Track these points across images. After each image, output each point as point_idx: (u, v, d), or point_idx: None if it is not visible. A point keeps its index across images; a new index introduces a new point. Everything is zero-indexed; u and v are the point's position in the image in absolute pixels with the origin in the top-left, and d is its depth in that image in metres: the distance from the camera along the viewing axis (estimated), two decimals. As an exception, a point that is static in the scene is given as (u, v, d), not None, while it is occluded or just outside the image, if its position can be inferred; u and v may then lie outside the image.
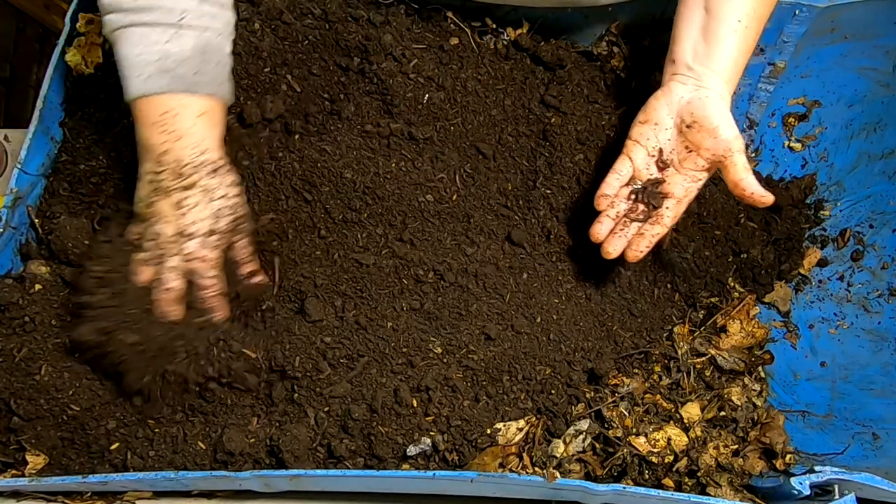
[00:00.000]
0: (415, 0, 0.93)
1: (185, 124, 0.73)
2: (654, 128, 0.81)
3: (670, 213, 0.81)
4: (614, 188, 0.82)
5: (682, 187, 0.81)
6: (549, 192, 0.91)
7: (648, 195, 0.81)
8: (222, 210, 0.76)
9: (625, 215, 0.82)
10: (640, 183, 0.82)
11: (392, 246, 0.86)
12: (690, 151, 0.80)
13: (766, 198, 0.76)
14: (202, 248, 0.75)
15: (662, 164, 0.81)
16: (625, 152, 0.82)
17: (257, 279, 0.82)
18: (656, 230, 0.81)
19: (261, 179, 0.87)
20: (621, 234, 0.81)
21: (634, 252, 0.81)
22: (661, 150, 0.81)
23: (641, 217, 0.81)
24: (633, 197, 0.82)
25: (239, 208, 0.78)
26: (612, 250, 0.81)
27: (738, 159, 0.77)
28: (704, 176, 0.80)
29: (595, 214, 0.83)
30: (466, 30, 0.92)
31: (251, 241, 0.81)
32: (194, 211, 0.74)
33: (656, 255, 0.94)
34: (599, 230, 0.82)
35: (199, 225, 0.75)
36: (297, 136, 0.87)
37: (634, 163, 0.82)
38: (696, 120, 0.78)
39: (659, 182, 0.81)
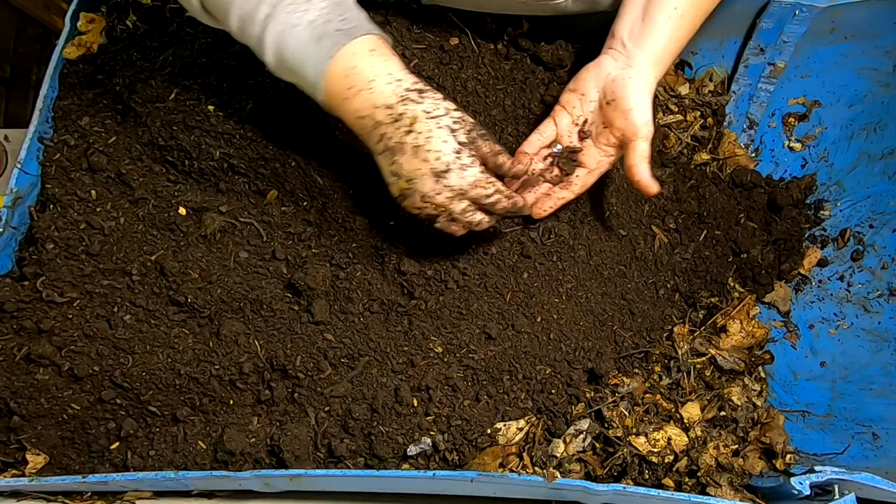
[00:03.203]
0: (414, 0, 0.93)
1: (366, 69, 0.70)
2: (581, 98, 0.83)
3: (580, 181, 0.84)
4: (535, 147, 0.84)
5: (595, 160, 0.83)
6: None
7: (563, 161, 0.84)
8: (454, 124, 0.71)
9: (539, 174, 0.85)
10: (559, 147, 0.84)
11: (394, 244, 0.86)
12: (606, 127, 0.82)
13: (650, 188, 0.79)
14: (462, 176, 0.70)
15: (583, 135, 0.84)
16: (552, 116, 0.85)
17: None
18: (563, 195, 0.84)
19: (261, 178, 0.87)
20: (532, 190, 0.85)
21: (538, 210, 0.84)
22: (585, 121, 0.84)
23: (553, 180, 0.85)
24: (549, 160, 0.85)
25: (466, 117, 0.72)
26: None
27: (639, 145, 0.79)
28: (614, 153, 0.83)
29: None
30: (466, 30, 0.92)
31: (498, 147, 0.75)
32: (431, 143, 0.69)
33: (656, 255, 0.94)
34: (512, 182, 0.84)
35: (443, 153, 0.70)
36: (297, 136, 0.87)
37: (558, 127, 0.84)
38: (614, 98, 0.80)
39: (576, 151, 0.84)
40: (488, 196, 0.73)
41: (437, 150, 0.70)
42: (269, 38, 0.70)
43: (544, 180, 0.85)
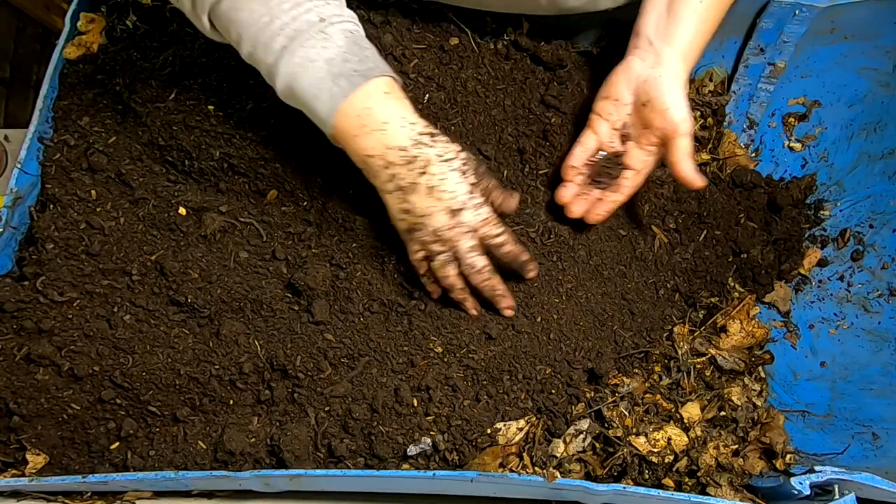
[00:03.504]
0: (414, 0, 0.93)
1: (381, 111, 0.72)
2: (615, 103, 0.85)
3: (629, 182, 0.85)
4: (580, 160, 0.86)
5: (640, 160, 0.85)
6: (549, 192, 0.91)
7: (610, 166, 0.86)
8: (464, 166, 0.74)
9: (588, 182, 0.87)
10: (603, 154, 0.86)
11: (394, 244, 0.86)
12: (645, 128, 0.83)
13: (696, 182, 0.82)
14: (476, 213, 0.75)
15: (624, 137, 0.85)
16: (589, 125, 0.87)
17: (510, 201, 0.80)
18: (615, 197, 0.86)
19: (261, 178, 0.87)
20: (585, 198, 0.87)
21: (594, 215, 0.86)
22: (623, 125, 0.85)
23: (603, 185, 0.87)
24: (596, 167, 0.87)
25: (471, 157, 0.76)
26: (576, 210, 0.86)
27: (681, 142, 0.80)
28: (657, 151, 0.84)
29: None
30: (466, 30, 0.92)
31: (495, 181, 0.79)
32: (446, 184, 0.73)
33: (656, 255, 0.94)
34: (565, 193, 0.86)
35: (459, 192, 0.73)
36: (297, 136, 0.87)
37: (599, 135, 0.86)
38: (649, 99, 0.81)
39: (620, 155, 0.86)
40: (497, 235, 0.76)
41: (451, 191, 0.73)
42: (283, 69, 0.71)
43: (594, 186, 0.87)
